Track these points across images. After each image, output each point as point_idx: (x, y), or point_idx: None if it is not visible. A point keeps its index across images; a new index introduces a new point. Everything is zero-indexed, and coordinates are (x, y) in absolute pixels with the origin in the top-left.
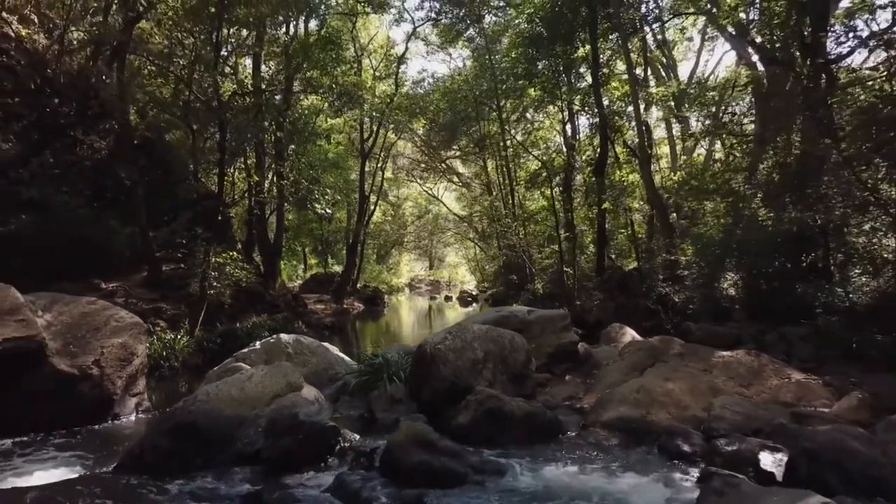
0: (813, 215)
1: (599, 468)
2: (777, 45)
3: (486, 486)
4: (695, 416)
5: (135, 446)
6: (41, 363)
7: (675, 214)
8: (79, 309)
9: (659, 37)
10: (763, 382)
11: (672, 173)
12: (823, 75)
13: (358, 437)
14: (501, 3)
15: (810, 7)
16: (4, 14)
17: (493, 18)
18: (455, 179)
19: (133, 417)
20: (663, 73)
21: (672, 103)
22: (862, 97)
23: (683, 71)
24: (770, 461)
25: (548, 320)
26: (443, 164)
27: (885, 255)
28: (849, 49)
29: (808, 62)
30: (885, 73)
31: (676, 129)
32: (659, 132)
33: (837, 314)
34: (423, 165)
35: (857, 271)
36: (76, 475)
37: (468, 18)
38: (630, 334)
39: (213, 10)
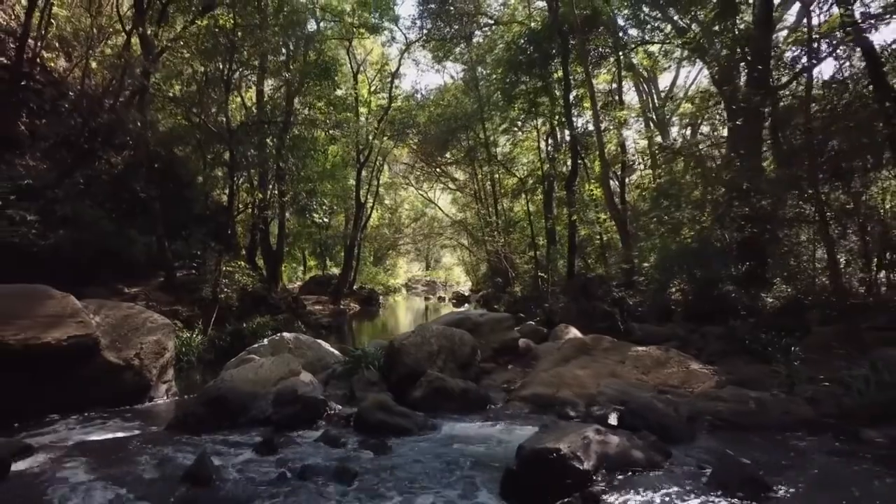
0: (736, 230)
1: (507, 425)
2: (729, 73)
3: (424, 435)
4: (590, 393)
5: (179, 413)
6: (95, 355)
7: (655, 221)
8: (121, 312)
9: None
10: (661, 371)
11: (653, 180)
12: (768, 102)
13: (341, 407)
14: (490, 21)
15: (753, 41)
16: (28, 39)
17: (480, 40)
18: (450, 184)
19: (165, 400)
20: (644, 87)
21: (653, 114)
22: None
23: (669, 79)
24: (614, 417)
25: (496, 321)
26: (437, 169)
27: (803, 265)
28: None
29: (752, 90)
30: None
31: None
32: (643, 141)
33: (756, 316)
34: (417, 172)
35: (778, 279)
36: (136, 433)
37: (458, 36)
38: (573, 332)
39: (222, 48)
